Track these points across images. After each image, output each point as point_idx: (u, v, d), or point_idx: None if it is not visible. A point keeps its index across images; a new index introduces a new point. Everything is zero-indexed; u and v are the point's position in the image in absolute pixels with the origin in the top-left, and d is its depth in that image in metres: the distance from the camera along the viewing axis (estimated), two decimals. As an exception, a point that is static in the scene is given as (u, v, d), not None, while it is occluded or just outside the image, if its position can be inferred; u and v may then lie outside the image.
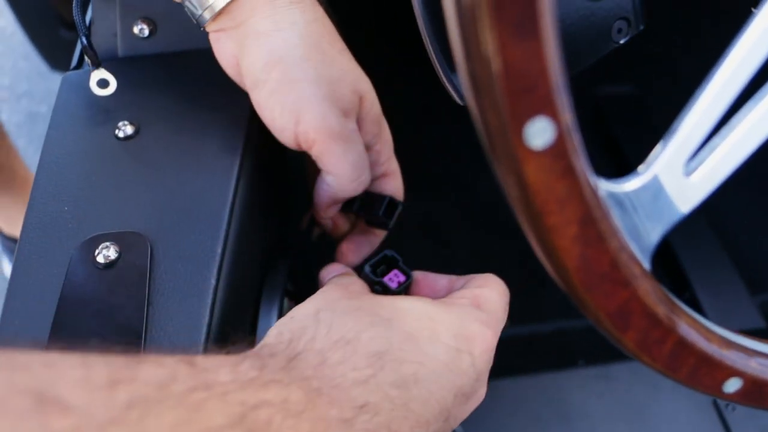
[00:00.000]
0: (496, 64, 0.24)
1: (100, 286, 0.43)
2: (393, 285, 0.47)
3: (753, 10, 0.37)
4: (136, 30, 0.56)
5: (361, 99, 0.48)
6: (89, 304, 0.43)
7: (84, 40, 0.51)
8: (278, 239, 0.60)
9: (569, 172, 0.28)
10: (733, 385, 0.36)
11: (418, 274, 0.50)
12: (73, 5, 0.52)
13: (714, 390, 0.37)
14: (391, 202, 0.53)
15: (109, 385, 0.27)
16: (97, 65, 0.52)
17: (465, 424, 0.49)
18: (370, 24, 1.02)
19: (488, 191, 1.04)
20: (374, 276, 0.48)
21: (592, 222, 0.30)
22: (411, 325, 0.40)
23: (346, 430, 0.34)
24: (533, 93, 0.24)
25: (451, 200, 1.06)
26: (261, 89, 0.46)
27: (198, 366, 0.31)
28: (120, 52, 0.57)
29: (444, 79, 0.47)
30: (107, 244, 0.45)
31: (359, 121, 0.50)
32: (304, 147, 0.48)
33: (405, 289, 0.48)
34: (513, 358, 0.88)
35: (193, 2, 0.47)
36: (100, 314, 0.42)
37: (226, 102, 0.52)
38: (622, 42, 0.44)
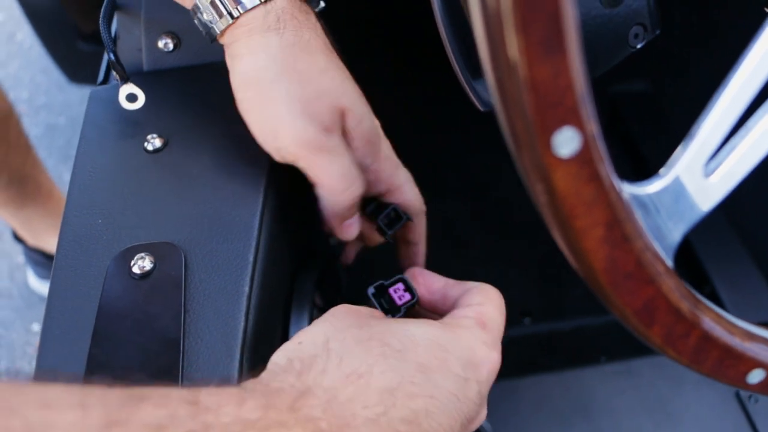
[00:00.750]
0: (524, 80, 0.25)
1: (137, 296, 0.45)
2: (399, 302, 0.46)
3: (766, 10, 0.38)
4: (160, 44, 0.57)
5: (343, 114, 0.49)
6: (127, 314, 0.44)
7: (111, 55, 0.53)
8: (307, 244, 0.62)
9: (595, 177, 0.29)
10: (756, 376, 0.37)
11: (415, 270, 0.49)
12: (100, 21, 0.53)
13: (738, 381, 0.37)
14: (396, 213, 0.54)
15: (104, 427, 0.28)
16: (125, 80, 0.53)
17: (490, 422, 0.50)
18: (388, 31, 1.03)
19: (504, 193, 1.05)
20: (391, 309, 0.46)
21: (617, 224, 0.31)
22: (422, 355, 0.39)
23: None
24: (560, 106, 0.25)
25: (469, 202, 1.07)
26: (240, 106, 0.49)
27: (200, 404, 0.31)
28: (145, 66, 0.58)
29: (466, 86, 0.48)
30: (142, 255, 0.46)
31: (347, 137, 0.50)
32: (289, 160, 0.49)
33: (410, 294, 0.47)
34: (535, 356, 0.89)
35: (203, 21, 0.49)
36: (138, 324, 0.44)
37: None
38: (638, 47, 0.45)
